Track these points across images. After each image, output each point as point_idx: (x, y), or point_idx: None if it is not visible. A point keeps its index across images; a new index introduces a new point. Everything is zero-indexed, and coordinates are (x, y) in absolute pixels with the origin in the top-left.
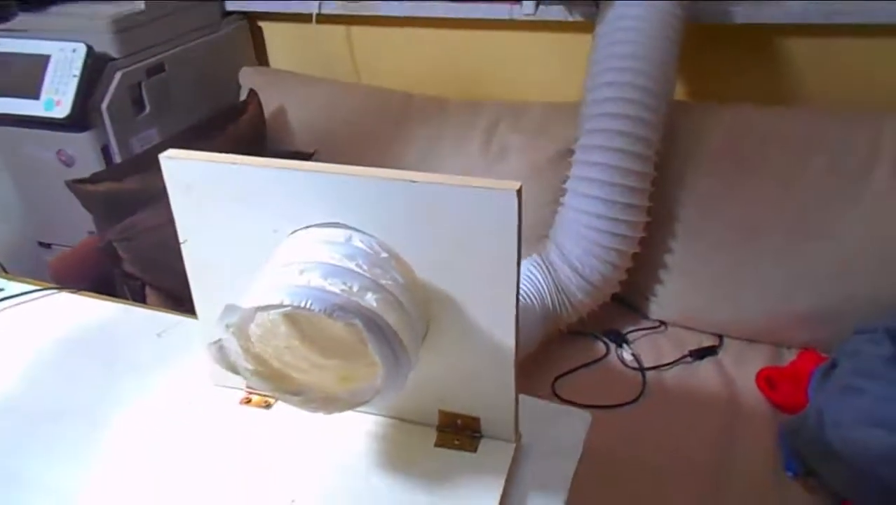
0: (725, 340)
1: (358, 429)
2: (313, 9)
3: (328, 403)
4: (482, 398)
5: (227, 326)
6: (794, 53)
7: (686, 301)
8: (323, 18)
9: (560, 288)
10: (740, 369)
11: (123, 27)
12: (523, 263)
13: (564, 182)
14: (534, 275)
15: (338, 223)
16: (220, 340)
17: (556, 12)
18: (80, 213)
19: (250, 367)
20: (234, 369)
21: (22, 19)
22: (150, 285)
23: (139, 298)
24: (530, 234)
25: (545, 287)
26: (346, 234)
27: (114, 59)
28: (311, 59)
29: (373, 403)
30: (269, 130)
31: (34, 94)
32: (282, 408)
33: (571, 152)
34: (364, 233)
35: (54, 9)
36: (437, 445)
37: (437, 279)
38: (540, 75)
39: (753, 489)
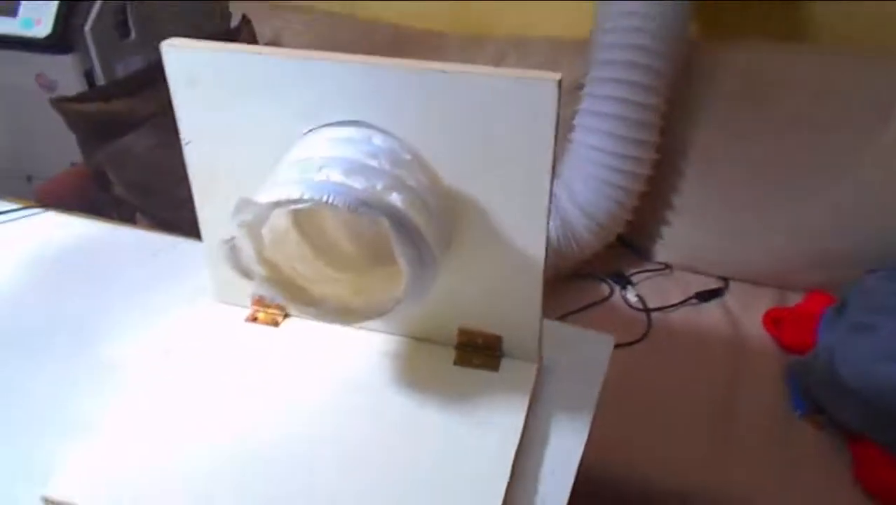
0: (731, 282)
1: (371, 348)
2: None
3: (345, 313)
4: (506, 315)
5: (240, 225)
6: None
7: (692, 243)
8: None
9: (566, 226)
10: (746, 311)
11: None
12: None
13: (573, 118)
14: None
15: (357, 121)
16: (232, 238)
17: None
18: (61, 142)
19: (263, 272)
20: (245, 273)
21: None
22: (140, 211)
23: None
24: None
25: (551, 225)
26: (367, 134)
27: None
28: None
29: (390, 316)
30: None
31: (11, 12)
32: (290, 326)
33: (581, 87)
34: (386, 133)
35: None
36: (456, 363)
37: (463, 184)
38: (545, 10)
39: (761, 428)
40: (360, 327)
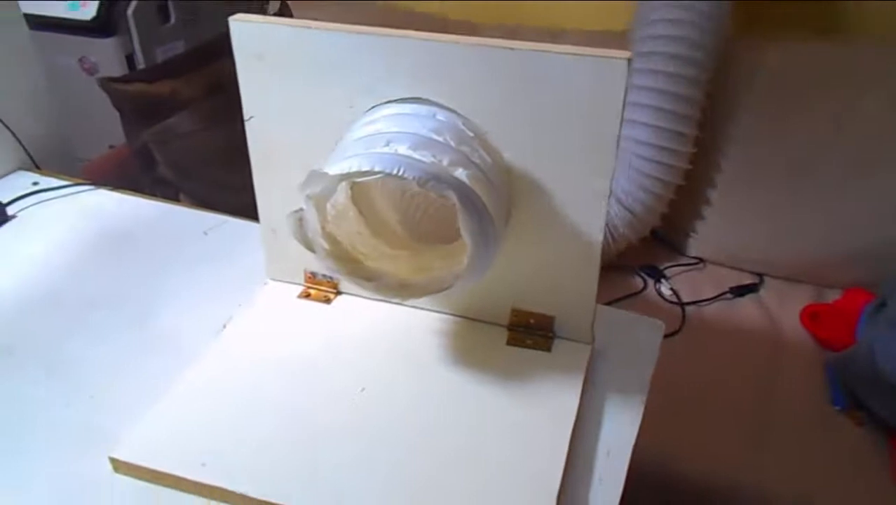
0: (766, 278)
1: (423, 326)
2: None
3: (403, 289)
4: (560, 295)
5: (309, 196)
6: None
7: (727, 238)
8: None
9: None
10: (782, 307)
11: None
12: None
13: None
14: None
15: (420, 98)
16: (300, 209)
17: None
18: (102, 125)
19: (326, 246)
20: (309, 246)
21: None
22: (183, 192)
23: None
24: None
25: None
26: (431, 110)
27: None
28: None
29: (445, 294)
30: None
31: None
32: (342, 303)
33: None
34: (449, 110)
35: None
36: (508, 343)
37: (524, 162)
38: (579, 2)
39: (799, 422)
40: (411, 306)
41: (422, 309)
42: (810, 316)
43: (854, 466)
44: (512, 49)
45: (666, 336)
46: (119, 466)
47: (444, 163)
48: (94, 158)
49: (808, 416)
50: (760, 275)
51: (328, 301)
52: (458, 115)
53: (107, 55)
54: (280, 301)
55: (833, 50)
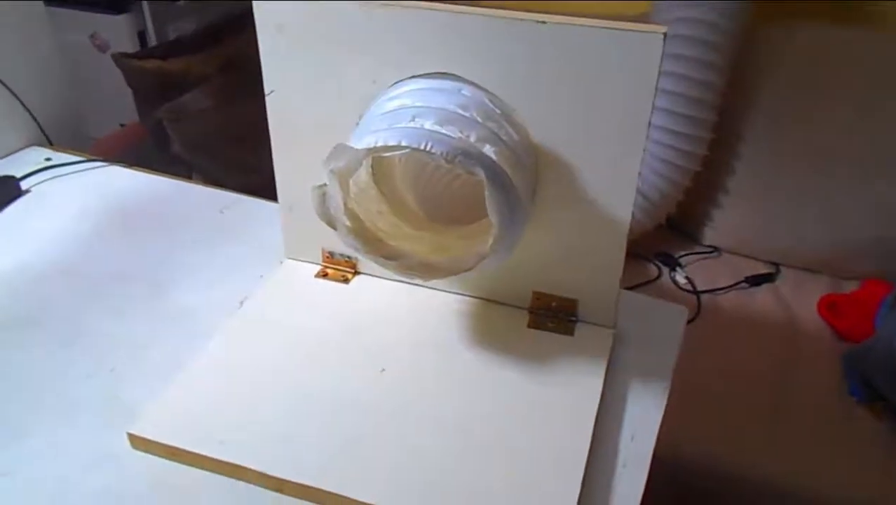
0: (782, 268)
1: (443, 307)
2: None
3: (426, 269)
4: (584, 278)
5: (333, 171)
6: None
7: (743, 227)
8: None
9: None
10: (799, 297)
11: None
12: None
13: None
14: None
15: (446, 73)
16: (324, 184)
17: None
18: (113, 102)
19: (348, 223)
20: (331, 223)
21: None
22: (196, 171)
23: None
24: None
25: None
26: (457, 85)
27: None
28: None
29: (467, 274)
30: None
31: None
32: (360, 283)
33: None
34: (475, 85)
35: None
36: (530, 326)
37: (552, 140)
38: None
39: (817, 413)
40: (431, 287)
41: (441, 290)
42: (828, 306)
43: (872, 457)
44: (544, 22)
45: None
46: (136, 442)
47: (472, 139)
48: (105, 136)
49: (825, 407)
50: (777, 264)
51: (346, 281)
52: (485, 90)
53: (119, 31)
54: (297, 280)
55: (861, 36)
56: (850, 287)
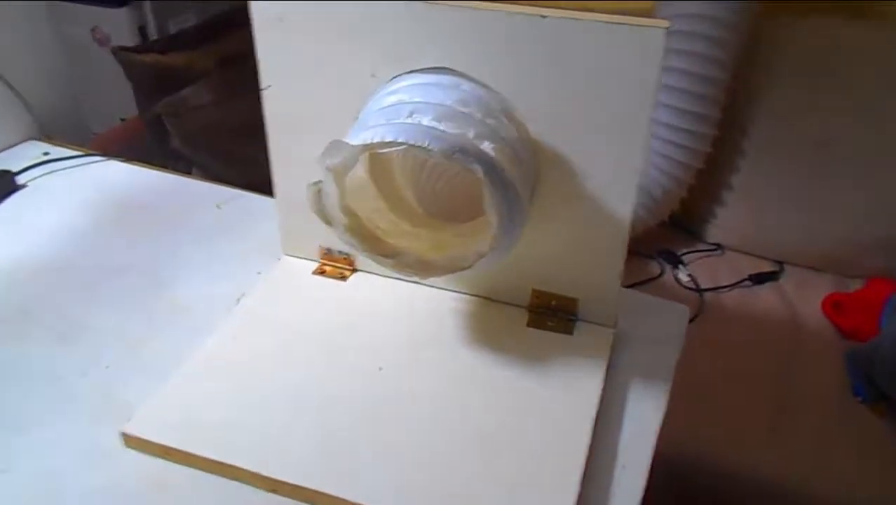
0: (786, 266)
1: (442, 305)
2: None
3: (424, 267)
4: (584, 277)
5: (329, 167)
6: None
7: (747, 224)
8: None
9: None
10: (803, 296)
11: None
12: None
13: None
14: None
15: (445, 68)
16: (319, 181)
17: None
18: (113, 96)
19: (345, 220)
20: (327, 220)
21: None
22: (196, 166)
23: None
24: None
25: None
26: (456, 81)
27: None
28: None
29: (465, 273)
30: None
31: None
32: (357, 281)
33: None
34: (475, 81)
35: None
36: (529, 325)
37: (552, 137)
38: None
39: (821, 412)
40: (429, 285)
41: (440, 288)
42: (832, 305)
43: (876, 457)
44: (544, 17)
45: None
46: (130, 441)
47: (470, 135)
48: (105, 131)
49: (829, 406)
50: (780, 262)
51: (344, 278)
52: (484, 86)
53: (119, 25)
54: (295, 277)
55: (866, 31)
56: (855, 286)
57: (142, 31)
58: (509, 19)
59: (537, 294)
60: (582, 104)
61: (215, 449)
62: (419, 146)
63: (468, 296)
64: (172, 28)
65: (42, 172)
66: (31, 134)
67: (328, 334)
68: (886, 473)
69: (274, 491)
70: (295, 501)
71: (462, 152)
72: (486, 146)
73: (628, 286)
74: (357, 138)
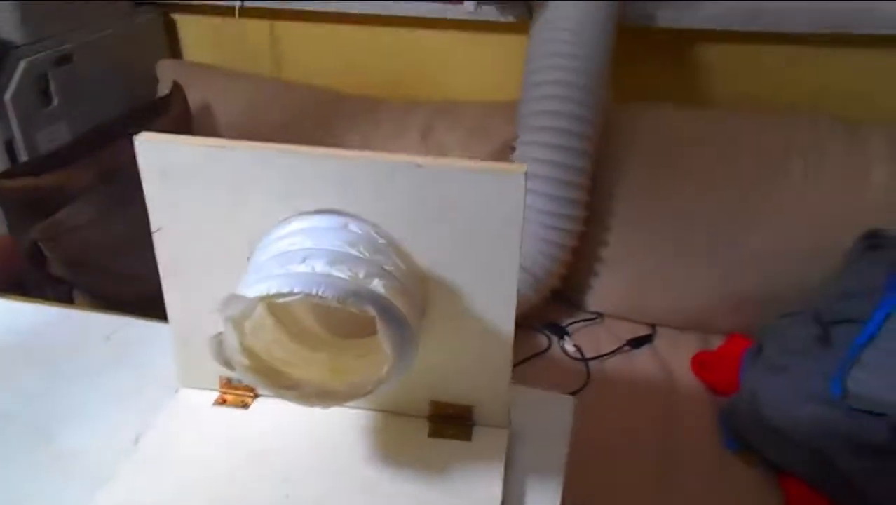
0: (658, 328)
1: (345, 424)
2: (236, 2)
3: (325, 396)
4: (476, 386)
5: (228, 319)
6: (714, 57)
7: (621, 293)
8: (245, 12)
9: None
10: (675, 355)
11: (28, 12)
12: None
13: None
14: None
15: (332, 209)
16: (220, 333)
17: (490, 12)
18: None
19: (246, 361)
20: (228, 365)
21: None
22: (78, 288)
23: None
24: None
25: None
26: (343, 221)
27: (17, 46)
28: (229, 56)
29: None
30: (193, 127)
31: None
32: (260, 407)
33: (512, 149)
34: (360, 219)
35: None
36: (430, 435)
37: (435, 265)
38: (475, 75)
39: (699, 465)
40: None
41: (343, 406)
42: (700, 363)
43: (750, 503)
44: (418, 165)
45: (573, 393)
46: None
47: (361, 275)
48: None
49: (706, 459)
50: (654, 325)
51: (246, 406)
52: (370, 223)
53: None
54: (195, 410)
55: (701, 117)
56: (718, 342)
57: (9, 146)
58: (387, 167)
59: (435, 404)
60: (459, 238)
61: None
62: (313, 294)
63: (370, 411)
64: (41, 140)
65: None
66: None
67: (234, 467)
68: None
69: None
70: None
71: (355, 296)
72: (377, 284)
73: (519, 362)
74: (253, 290)
